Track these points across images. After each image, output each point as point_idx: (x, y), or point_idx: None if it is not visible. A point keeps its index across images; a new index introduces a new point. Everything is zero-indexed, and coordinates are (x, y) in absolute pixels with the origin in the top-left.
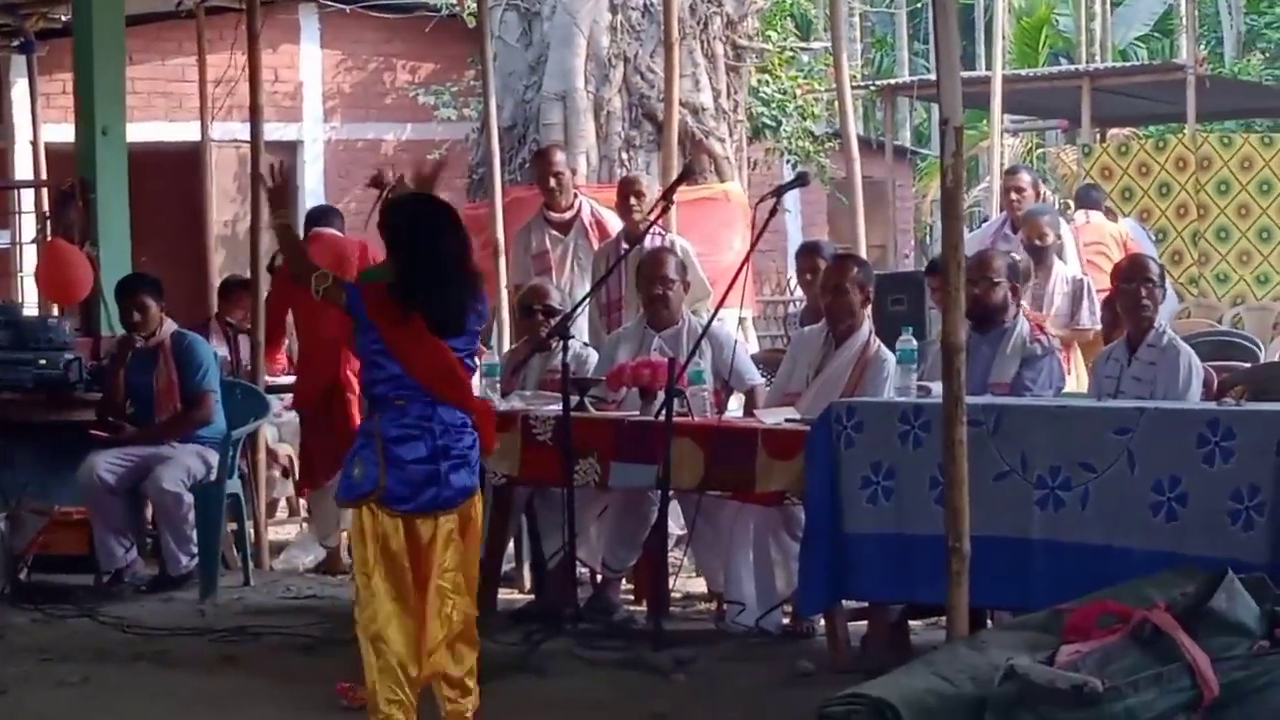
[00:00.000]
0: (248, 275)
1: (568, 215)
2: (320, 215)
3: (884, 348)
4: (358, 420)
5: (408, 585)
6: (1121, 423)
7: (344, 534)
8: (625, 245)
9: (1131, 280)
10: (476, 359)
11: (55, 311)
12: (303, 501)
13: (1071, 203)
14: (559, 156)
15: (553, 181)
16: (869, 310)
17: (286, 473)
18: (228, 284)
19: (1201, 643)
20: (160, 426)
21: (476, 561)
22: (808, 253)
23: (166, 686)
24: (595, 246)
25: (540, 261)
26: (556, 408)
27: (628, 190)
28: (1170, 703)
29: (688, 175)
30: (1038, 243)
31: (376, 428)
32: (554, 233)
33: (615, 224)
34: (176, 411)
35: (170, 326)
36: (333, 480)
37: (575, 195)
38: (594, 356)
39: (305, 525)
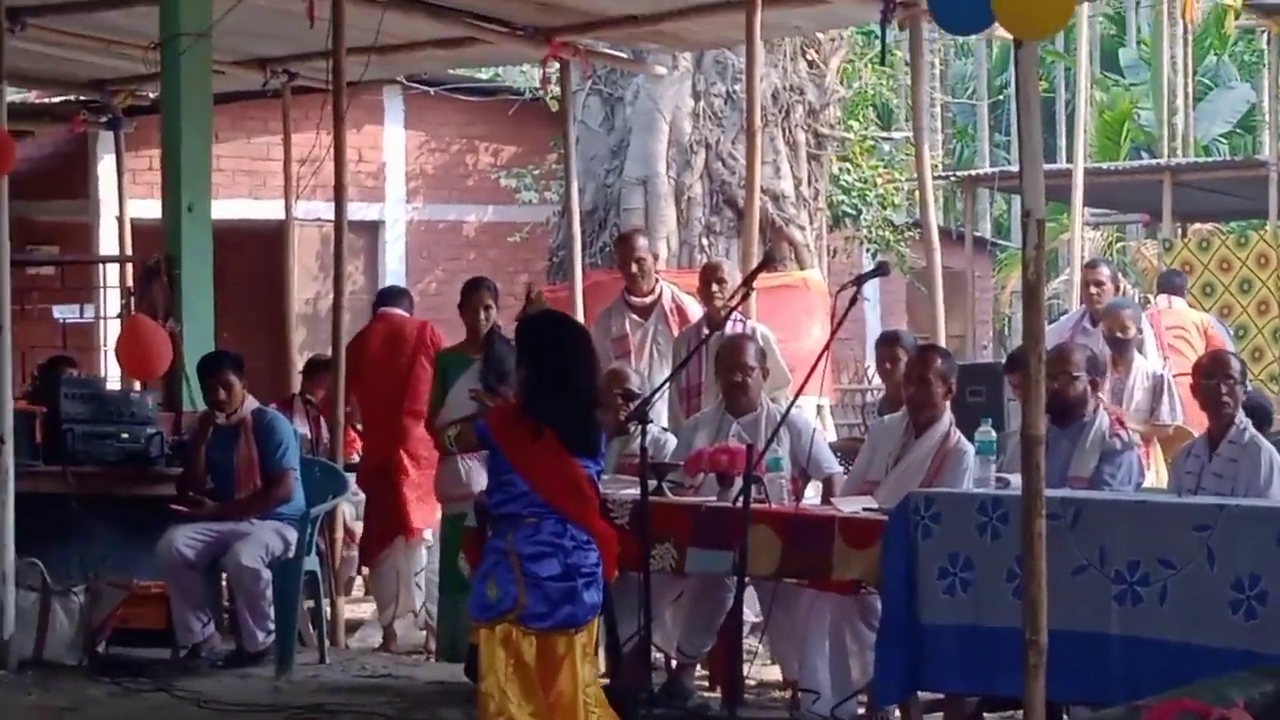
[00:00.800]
0: (329, 354)
1: (649, 300)
2: (389, 296)
3: (964, 439)
4: (409, 500)
5: (541, 702)
6: (1201, 519)
7: (397, 612)
8: (706, 331)
9: (1213, 377)
10: (601, 478)
11: (138, 386)
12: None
13: (1153, 292)
14: (641, 241)
15: (635, 267)
16: (949, 402)
17: None
18: (313, 364)
19: None
20: (240, 503)
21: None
22: (888, 343)
23: None
24: (675, 332)
25: (620, 345)
26: (634, 492)
27: (710, 276)
28: None
29: (768, 262)
30: (1119, 335)
31: (510, 546)
32: (634, 317)
33: (695, 310)
34: (256, 488)
35: (252, 404)
36: (386, 553)
37: (656, 280)
38: (672, 441)
39: None
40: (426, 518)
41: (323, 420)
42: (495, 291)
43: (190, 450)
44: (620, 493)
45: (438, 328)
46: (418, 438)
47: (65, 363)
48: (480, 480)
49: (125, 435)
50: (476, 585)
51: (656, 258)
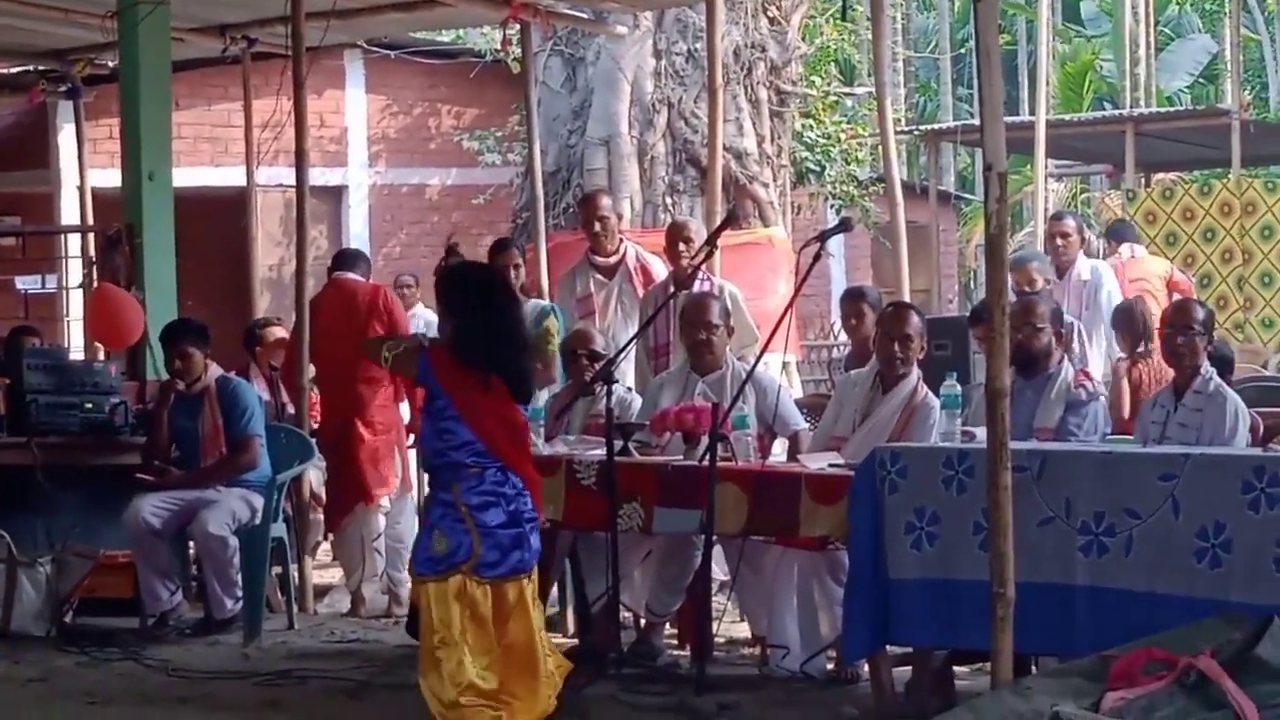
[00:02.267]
0: (282, 316)
1: (613, 260)
2: (343, 260)
3: (931, 394)
4: (366, 467)
5: (496, 654)
6: (1166, 469)
7: (364, 577)
8: (672, 289)
9: (1177, 327)
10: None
11: (101, 356)
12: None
13: (1105, 239)
14: (605, 201)
15: (598, 226)
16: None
17: None
18: (258, 326)
19: (1247, 690)
20: (205, 471)
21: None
22: (852, 298)
23: None
24: (639, 291)
25: (584, 306)
26: (601, 452)
27: (677, 235)
28: None
29: (731, 220)
30: (1027, 289)
31: (457, 496)
32: (599, 277)
33: (660, 269)
34: (221, 456)
35: (215, 371)
36: (348, 520)
37: (620, 240)
38: (637, 401)
39: None
40: (383, 484)
41: (281, 384)
42: (523, 251)
43: (154, 419)
44: (587, 453)
45: (392, 291)
46: (373, 405)
47: (27, 332)
48: None
49: (89, 405)
50: (421, 539)
51: (620, 217)
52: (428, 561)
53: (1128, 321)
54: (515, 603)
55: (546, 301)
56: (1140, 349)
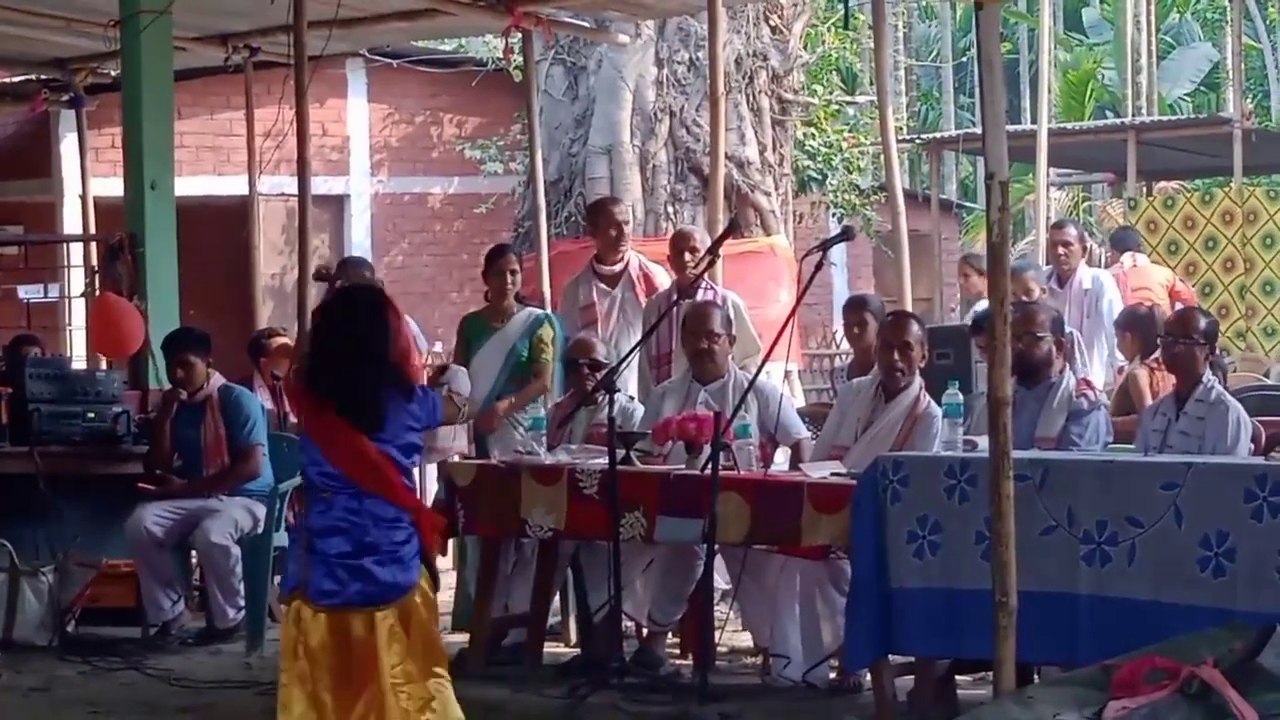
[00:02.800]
0: (286, 326)
1: (617, 268)
2: (347, 268)
3: (934, 403)
4: None
5: (329, 681)
6: (1169, 478)
7: None
8: (675, 298)
9: (1178, 335)
10: (415, 458)
11: (103, 365)
12: None
13: (1106, 247)
14: (620, 208)
15: (614, 231)
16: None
17: None
18: (262, 335)
19: (1250, 699)
20: (208, 480)
21: (433, 647)
22: (854, 307)
23: None
24: (642, 300)
25: (587, 314)
26: (603, 461)
27: (682, 245)
28: None
29: (733, 229)
30: (1024, 298)
31: (304, 521)
32: (602, 286)
33: (663, 278)
34: (223, 465)
35: (218, 380)
36: None
37: (626, 248)
38: (639, 410)
39: None
40: None
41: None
42: (521, 259)
43: (156, 428)
44: (589, 462)
45: (394, 301)
46: None
47: (28, 341)
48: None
49: (91, 414)
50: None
51: (629, 226)
52: (283, 583)
53: (1142, 325)
54: (364, 636)
55: (542, 310)
56: (1156, 355)
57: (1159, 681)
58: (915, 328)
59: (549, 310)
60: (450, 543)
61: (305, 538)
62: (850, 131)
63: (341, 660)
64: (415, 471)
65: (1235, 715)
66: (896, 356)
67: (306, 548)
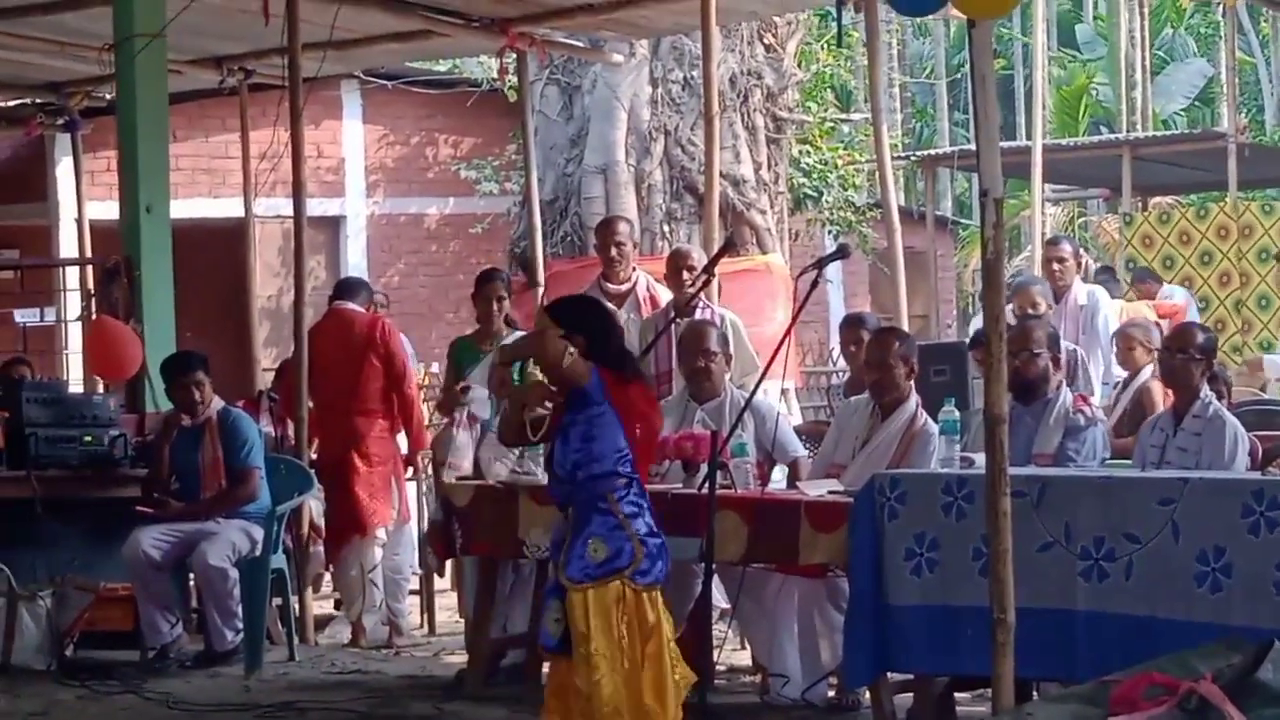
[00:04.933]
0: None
1: (624, 288)
2: (344, 289)
3: (930, 420)
4: (362, 499)
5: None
6: (1166, 493)
7: (364, 607)
8: (673, 315)
9: (1175, 350)
10: None
11: (100, 388)
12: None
13: (1115, 265)
14: (623, 227)
15: (614, 251)
16: (913, 382)
17: None
18: (285, 366)
19: (1249, 714)
20: (206, 503)
21: None
22: (851, 325)
23: None
24: None
25: None
26: None
27: (680, 263)
28: None
29: (729, 247)
30: (1030, 311)
31: (616, 507)
32: (608, 304)
33: (669, 299)
34: (221, 488)
35: (217, 403)
36: (346, 551)
37: (634, 269)
38: None
39: None
40: (380, 516)
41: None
42: (508, 282)
43: (155, 451)
44: None
45: (390, 323)
46: (370, 437)
47: (18, 363)
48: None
49: (88, 438)
50: (577, 548)
51: (636, 245)
52: (587, 569)
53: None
54: (654, 612)
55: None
56: None
57: (1157, 697)
58: (897, 345)
59: None
60: (448, 564)
61: (622, 520)
62: (845, 149)
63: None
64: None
65: None
66: (877, 375)
67: (630, 530)
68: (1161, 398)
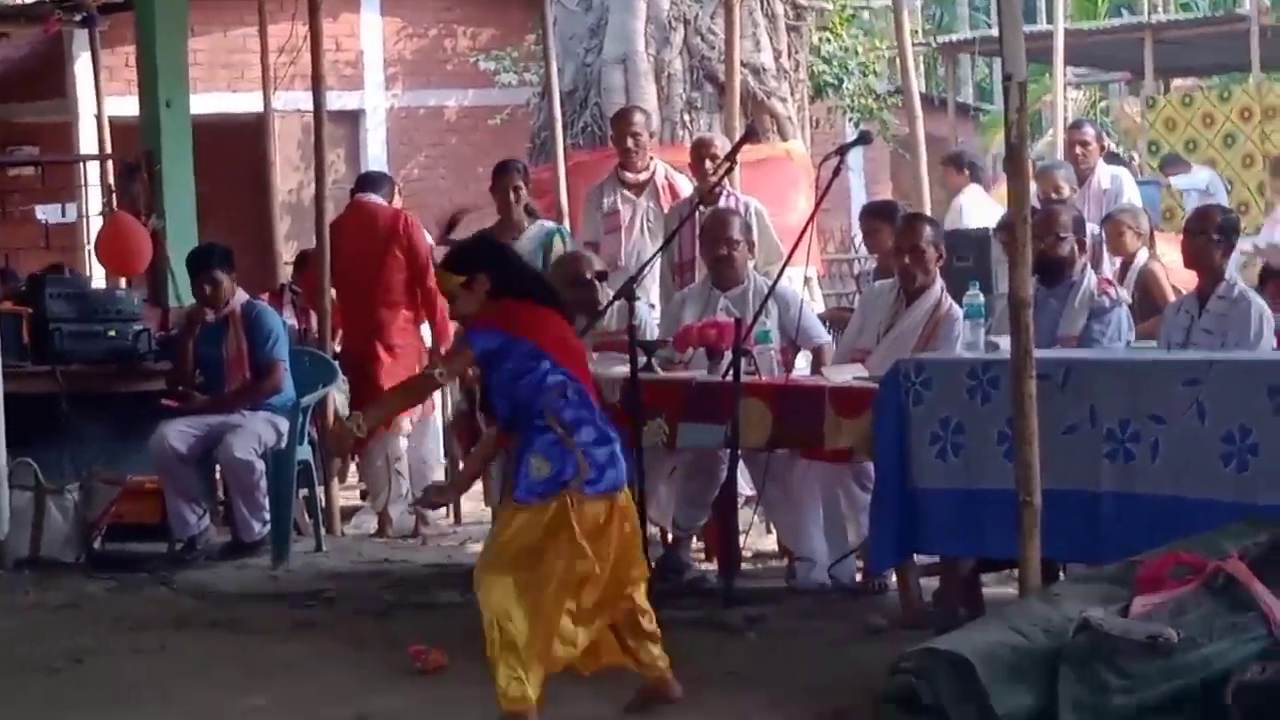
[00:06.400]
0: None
1: (642, 177)
2: (366, 182)
3: (955, 305)
4: (387, 385)
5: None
6: (1191, 374)
7: (390, 498)
8: (698, 203)
9: (1197, 232)
10: None
11: (123, 284)
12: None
13: (1138, 150)
14: (639, 117)
15: (630, 142)
16: (939, 268)
17: None
18: (303, 256)
19: (1276, 591)
20: (230, 396)
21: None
22: (873, 212)
23: (241, 653)
24: (665, 210)
25: (611, 221)
26: (623, 369)
27: (704, 152)
28: (1245, 651)
29: (750, 136)
30: (1054, 195)
31: (555, 421)
32: (626, 193)
33: (687, 188)
34: (245, 381)
35: (241, 297)
36: (371, 443)
37: (651, 158)
38: (652, 318)
39: None
40: None
41: (311, 310)
42: (525, 173)
43: (178, 345)
44: (610, 370)
45: (413, 216)
46: (393, 328)
47: (56, 269)
48: None
49: (112, 333)
50: (520, 466)
51: (653, 135)
52: (530, 487)
53: (1134, 215)
54: (605, 522)
55: (553, 223)
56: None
57: (1184, 576)
58: (928, 230)
59: (562, 223)
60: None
61: (562, 433)
62: (866, 36)
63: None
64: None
65: (1261, 607)
66: (909, 260)
67: (565, 441)
68: (1165, 278)
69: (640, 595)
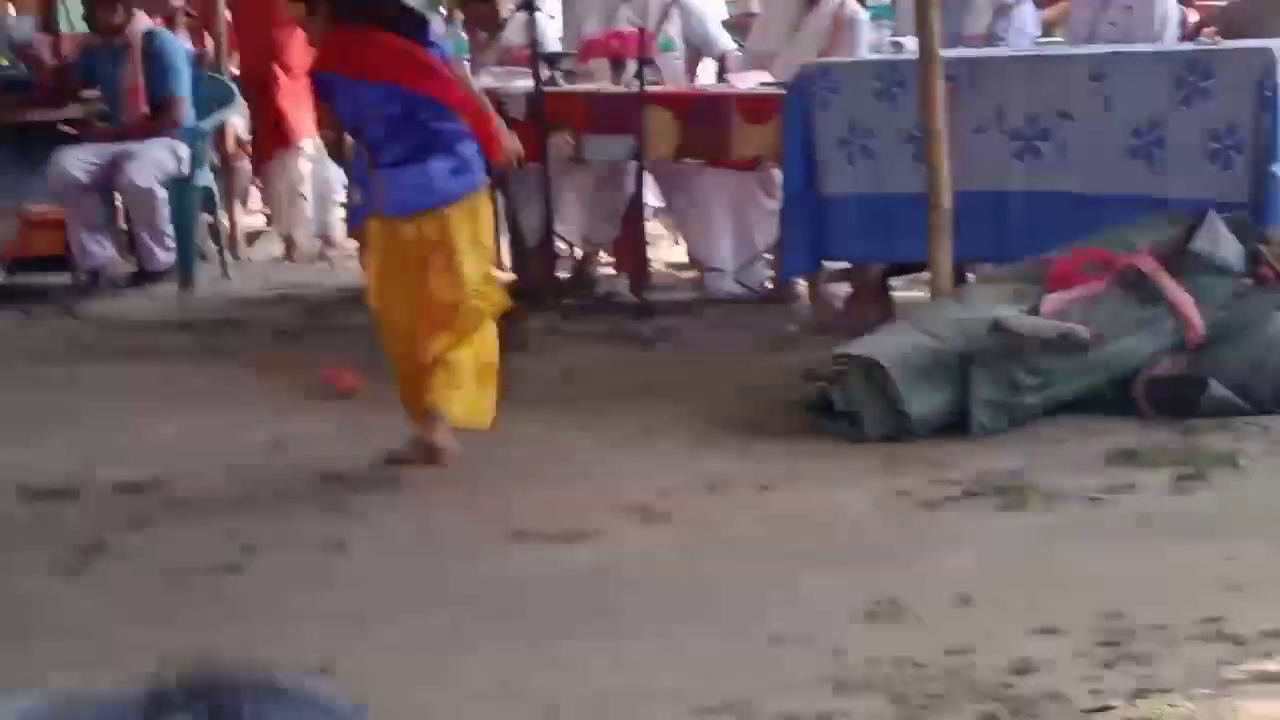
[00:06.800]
0: None
1: None
2: None
3: (858, 6)
4: (286, 111)
5: (412, 292)
6: (1097, 68)
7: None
8: None
9: None
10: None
11: (11, 10)
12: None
13: None
14: None
15: None
16: None
17: None
18: None
19: (1185, 284)
20: (128, 128)
21: (479, 260)
22: None
23: (152, 382)
24: None
25: None
26: (526, 83)
27: None
28: (1156, 345)
29: None
30: None
31: (361, 151)
32: None
33: None
34: (143, 112)
35: (144, 24)
36: (273, 165)
37: None
38: (550, 30)
39: None
40: (304, 127)
41: (206, 33)
42: None
43: (73, 73)
44: (512, 84)
45: None
46: (289, 48)
47: None
48: None
49: (4, 62)
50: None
51: None
52: (353, 215)
53: None
54: (421, 240)
55: None
56: None
57: (1095, 272)
58: None
59: None
60: None
61: (367, 158)
62: None
63: (420, 266)
64: None
65: (1171, 301)
66: None
67: (370, 165)
68: None
69: (450, 338)
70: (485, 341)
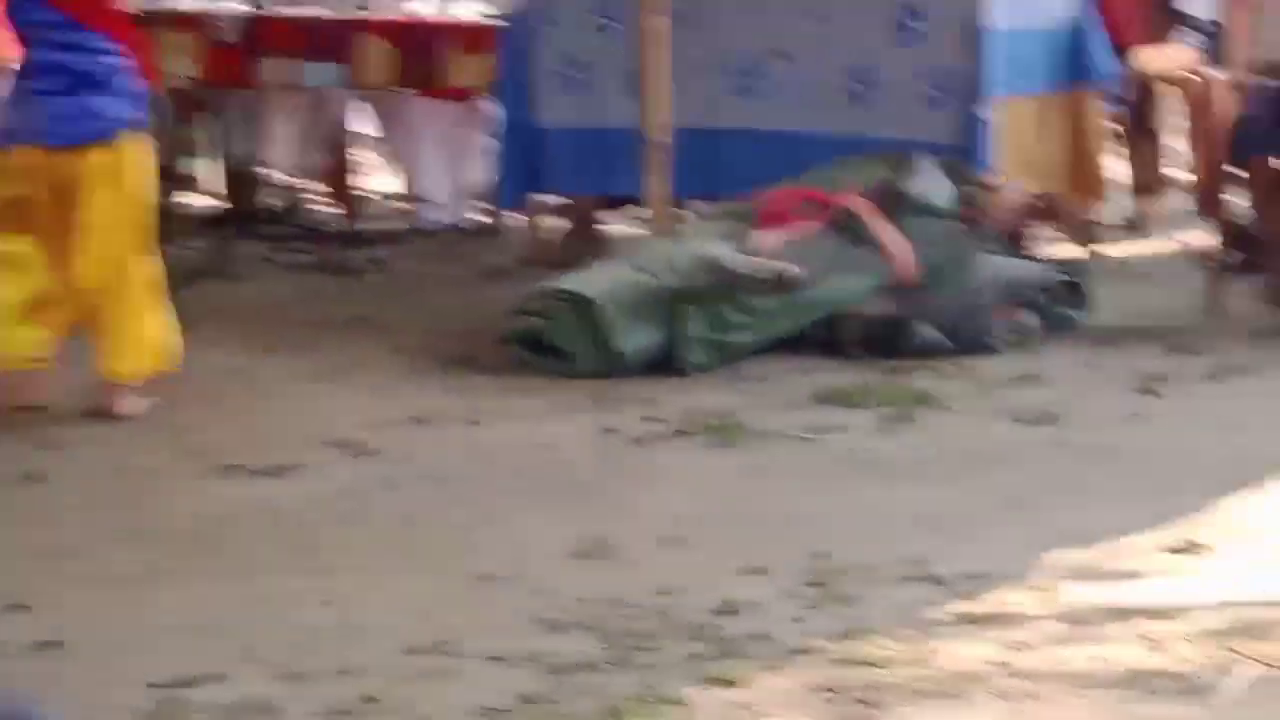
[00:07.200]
0: None
1: None
2: None
3: None
4: None
5: (41, 228)
6: (818, 8)
7: None
8: None
9: None
10: None
11: None
12: None
13: None
14: None
15: None
16: None
17: None
18: None
19: (899, 222)
20: None
21: (141, 207)
22: None
23: None
24: None
25: None
26: (242, 7)
27: None
28: (866, 285)
29: None
30: None
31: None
32: None
33: None
34: None
35: None
36: None
37: None
38: None
39: None
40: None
41: None
42: None
43: None
44: (225, 6)
45: None
46: None
47: None
48: None
49: None
50: None
51: None
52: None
53: None
54: (76, 177)
55: None
56: None
57: (809, 212)
58: None
59: None
60: None
61: (21, 83)
62: None
63: (58, 202)
64: None
65: (883, 242)
66: None
67: (22, 91)
68: None
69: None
70: (140, 282)
